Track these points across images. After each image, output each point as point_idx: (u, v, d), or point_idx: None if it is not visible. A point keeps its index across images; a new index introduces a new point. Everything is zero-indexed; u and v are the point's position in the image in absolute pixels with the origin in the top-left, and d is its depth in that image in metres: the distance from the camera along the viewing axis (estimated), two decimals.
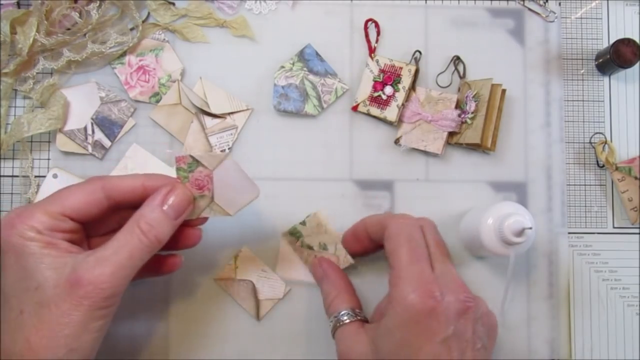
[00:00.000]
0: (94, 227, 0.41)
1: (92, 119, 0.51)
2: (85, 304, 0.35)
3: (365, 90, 0.52)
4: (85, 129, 0.51)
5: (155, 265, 0.43)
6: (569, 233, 0.52)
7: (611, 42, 0.52)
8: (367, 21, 0.52)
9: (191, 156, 0.42)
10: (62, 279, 0.35)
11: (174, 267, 0.44)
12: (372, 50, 0.52)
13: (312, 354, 0.50)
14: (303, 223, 0.50)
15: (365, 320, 0.44)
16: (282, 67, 0.52)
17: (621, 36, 0.53)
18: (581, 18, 0.54)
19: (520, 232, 0.42)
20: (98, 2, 0.50)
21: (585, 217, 0.52)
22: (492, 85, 0.50)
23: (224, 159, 0.42)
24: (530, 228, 0.42)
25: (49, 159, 0.51)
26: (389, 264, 0.42)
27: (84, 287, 0.35)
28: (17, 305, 0.36)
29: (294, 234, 0.50)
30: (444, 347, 0.37)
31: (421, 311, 0.38)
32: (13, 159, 0.51)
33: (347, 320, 0.43)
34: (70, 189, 0.39)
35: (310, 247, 0.50)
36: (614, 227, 0.52)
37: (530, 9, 0.54)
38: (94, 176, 0.40)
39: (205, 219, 0.43)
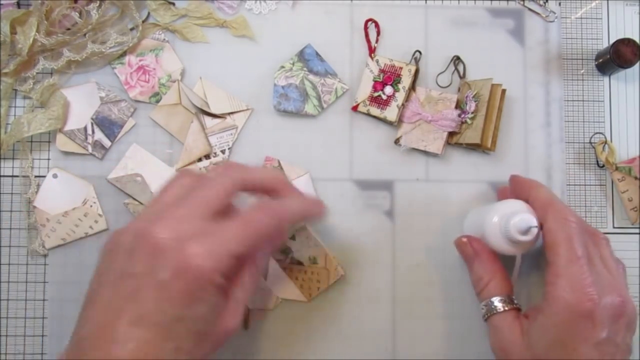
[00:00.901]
0: None
1: (92, 119, 0.51)
2: (221, 345, 0.37)
3: (365, 90, 0.52)
4: (85, 129, 0.51)
5: None
6: None
7: (611, 42, 0.52)
8: (367, 21, 0.52)
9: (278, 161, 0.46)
10: (219, 328, 0.37)
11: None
12: (372, 50, 0.52)
13: None
14: (292, 237, 0.50)
15: (518, 309, 0.44)
16: (282, 67, 0.52)
17: (621, 36, 0.53)
18: (581, 18, 0.54)
19: (527, 231, 0.42)
20: (98, 2, 0.50)
21: (585, 217, 0.52)
22: (492, 85, 0.50)
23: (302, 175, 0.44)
24: (536, 226, 0.42)
25: (49, 159, 0.51)
26: (547, 258, 0.41)
27: (225, 334, 0.37)
28: (173, 341, 0.33)
29: (283, 252, 0.50)
30: (596, 350, 0.38)
31: (578, 313, 0.38)
32: (13, 159, 0.51)
33: (503, 309, 0.43)
34: (247, 224, 0.37)
35: (300, 263, 0.50)
36: (614, 227, 0.52)
37: (530, 9, 0.54)
38: (264, 203, 0.39)
39: None
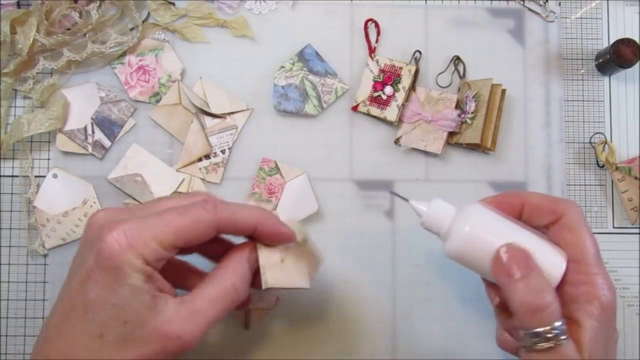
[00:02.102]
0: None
1: (92, 119, 0.51)
2: (169, 354, 0.35)
3: (365, 90, 0.52)
4: (85, 129, 0.51)
5: None
6: None
7: (611, 42, 0.52)
8: (367, 21, 0.52)
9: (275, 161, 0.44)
10: (152, 323, 0.34)
11: (246, 304, 0.43)
12: (372, 50, 0.52)
13: None
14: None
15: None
16: (282, 67, 0.52)
17: (621, 36, 0.53)
18: (581, 18, 0.54)
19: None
20: (98, 2, 0.50)
21: (585, 217, 0.52)
22: (492, 85, 0.50)
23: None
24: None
25: (49, 159, 0.51)
26: (571, 257, 0.38)
27: (173, 341, 0.34)
28: (97, 324, 0.34)
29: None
30: (616, 343, 0.38)
31: (614, 309, 0.37)
32: (13, 159, 0.51)
33: (565, 339, 0.35)
34: (181, 214, 0.36)
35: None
36: (614, 227, 0.52)
37: (530, 9, 0.54)
38: (209, 197, 0.37)
39: None
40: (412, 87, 0.52)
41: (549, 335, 0.35)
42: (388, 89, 0.51)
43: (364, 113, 0.52)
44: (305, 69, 0.52)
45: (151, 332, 0.34)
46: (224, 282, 0.37)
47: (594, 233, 0.52)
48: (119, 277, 0.33)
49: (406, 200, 0.41)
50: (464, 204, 0.40)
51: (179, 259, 0.41)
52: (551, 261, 0.37)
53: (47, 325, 0.35)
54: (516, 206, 0.40)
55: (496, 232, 0.38)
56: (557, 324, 0.35)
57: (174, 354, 0.35)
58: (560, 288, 0.38)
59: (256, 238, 0.39)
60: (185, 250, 0.38)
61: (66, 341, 0.34)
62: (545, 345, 0.35)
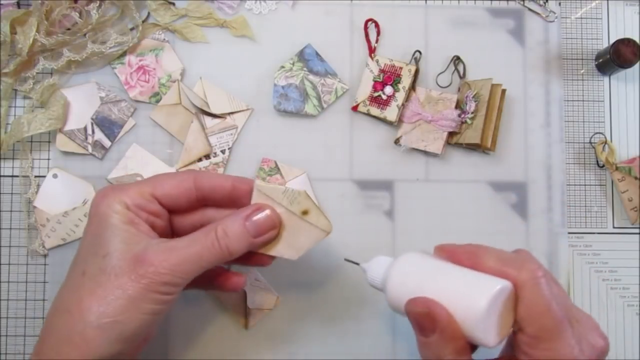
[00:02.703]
0: (179, 222, 0.42)
1: (92, 119, 0.51)
2: (143, 282, 0.35)
3: (365, 90, 0.52)
4: (85, 129, 0.51)
5: (220, 279, 0.43)
6: (569, 233, 0.52)
7: (611, 42, 0.52)
8: (367, 21, 0.52)
9: (275, 162, 0.44)
10: (130, 253, 0.36)
11: (237, 286, 0.43)
12: (372, 50, 0.52)
13: None
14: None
15: None
16: (282, 67, 0.52)
17: (621, 36, 0.53)
18: (581, 18, 0.54)
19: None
20: (98, 2, 0.50)
21: (585, 217, 0.52)
22: (492, 85, 0.50)
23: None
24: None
25: (49, 159, 0.51)
26: (529, 332, 0.33)
27: (145, 267, 0.36)
28: (82, 267, 0.37)
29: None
30: None
31: None
32: (13, 159, 0.51)
33: None
34: (164, 175, 0.41)
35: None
36: (614, 227, 0.52)
37: (530, 9, 0.54)
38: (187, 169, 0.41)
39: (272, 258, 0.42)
40: (412, 87, 0.52)
41: None
42: (388, 89, 0.51)
43: (364, 113, 0.52)
44: (305, 69, 0.52)
45: (127, 260, 0.36)
46: (210, 228, 0.38)
47: (594, 233, 0.52)
48: (102, 219, 0.37)
49: (357, 264, 0.41)
50: (403, 253, 0.39)
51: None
52: (467, 304, 0.33)
53: None
54: (468, 264, 0.36)
55: (413, 285, 0.36)
56: None
57: (154, 287, 0.36)
58: None
59: (235, 198, 0.41)
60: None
61: (61, 288, 0.38)
62: None
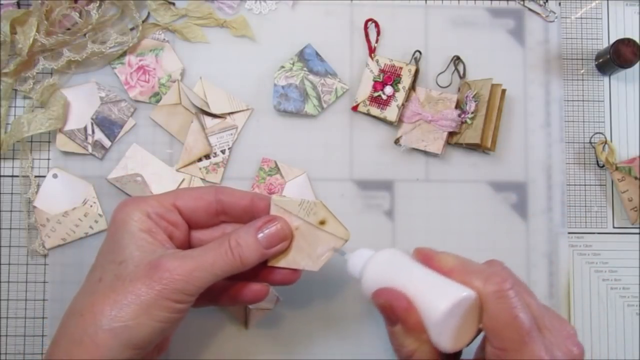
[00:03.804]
0: (198, 238, 0.42)
1: (92, 119, 0.51)
2: (157, 289, 0.36)
3: (365, 90, 0.52)
4: (85, 129, 0.51)
5: (242, 290, 0.42)
6: (569, 233, 0.52)
7: (611, 42, 0.52)
8: (367, 21, 0.52)
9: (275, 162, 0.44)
10: (145, 260, 0.37)
11: (260, 296, 0.42)
12: (372, 50, 0.52)
13: None
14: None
15: None
16: (282, 67, 0.52)
17: (621, 36, 0.53)
18: (581, 18, 0.54)
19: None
20: (98, 2, 0.50)
21: (585, 217, 0.52)
22: (492, 85, 0.50)
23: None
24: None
25: (49, 159, 0.51)
26: (495, 344, 0.34)
27: (159, 272, 0.36)
28: (99, 273, 0.38)
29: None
30: None
31: None
32: (13, 159, 0.51)
33: None
34: (187, 188, 0.43)
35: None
36: (614, 227, 0.52)
37: (530, 9, 0.54)
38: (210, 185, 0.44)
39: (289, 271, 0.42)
40: (412, 87, 0.52)
41: None
42: (388, 89, 0.51)
43: (364, 113, 0.52)
44: (305, 69, 0.52)
45: (142, 267, 0.36)
46: (223, 238, 0.39)
47: (594, 233, 0.52)
48: (120, 226, 0.38)
49: (343, 254, 0.41)
50: (384, 249, 0.39)
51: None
52: (428, 306, 0.35)
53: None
54: (440, 270, 0.37)
55: (385, 279, 0.37)
56: None
57: (167, 294, 0.36)
58: None
59: (253, 214, 0.41)
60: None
61: (77, 293, 0.38)
62: None
